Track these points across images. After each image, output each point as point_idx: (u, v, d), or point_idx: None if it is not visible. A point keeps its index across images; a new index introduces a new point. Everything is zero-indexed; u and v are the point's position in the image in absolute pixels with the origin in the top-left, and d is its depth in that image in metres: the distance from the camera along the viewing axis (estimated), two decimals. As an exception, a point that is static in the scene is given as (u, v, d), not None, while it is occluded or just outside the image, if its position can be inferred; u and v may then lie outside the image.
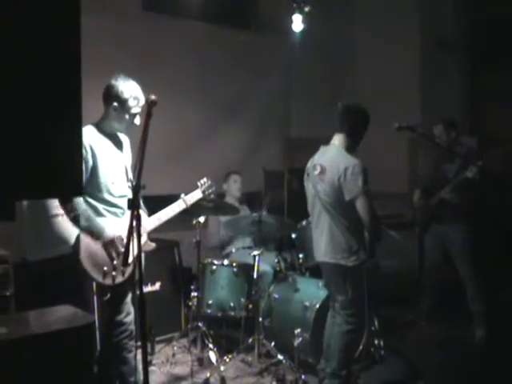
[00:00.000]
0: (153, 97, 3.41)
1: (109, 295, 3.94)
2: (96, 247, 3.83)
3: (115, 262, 3.83)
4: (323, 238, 4.38)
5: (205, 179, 4.80)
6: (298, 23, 6.25)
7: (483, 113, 7.90)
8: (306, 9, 6.19)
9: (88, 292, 4.67)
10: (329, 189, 4.26)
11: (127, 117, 3.92)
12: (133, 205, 3.21)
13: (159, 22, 6.55)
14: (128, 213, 3.34)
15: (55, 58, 2.31)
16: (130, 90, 3.90)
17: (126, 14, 6.17)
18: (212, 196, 4.98)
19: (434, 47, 7.56)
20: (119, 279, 3.86)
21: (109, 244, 3.85)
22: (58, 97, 2.33)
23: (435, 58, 7.57)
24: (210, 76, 6.87)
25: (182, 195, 4.50)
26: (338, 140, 4.38)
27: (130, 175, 4.03)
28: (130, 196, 3.44)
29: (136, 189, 3.23)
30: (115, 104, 3.89)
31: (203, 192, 4.72)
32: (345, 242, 4.26)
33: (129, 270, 3.86)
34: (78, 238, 3.85)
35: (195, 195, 4.61)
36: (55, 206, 4.72)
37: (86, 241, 3.82)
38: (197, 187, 4.70)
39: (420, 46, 7.68)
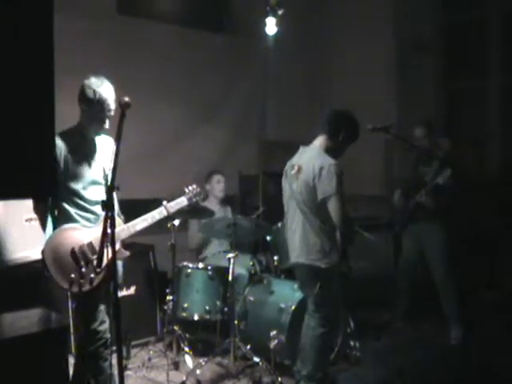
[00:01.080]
0: (126, 99, 3.39)
1: (75, 303, 3.87)
2: (64, 254, 3.73)
3: (83, 270, 3.70)
4: (297, 239, 4.39)
5: (194, 186, 4.64)
6: (271, 26, 6.27)
7: (457, 114, 7.96)
8: (280, 12, 6.21)
9: (60, 297, 4.64)
10: (304, 188, 4.29)
11: (105, 114, 3.88)
12: (106, 206, 3.18)
13: (133, 24, 6.54)
14: (102, 219, 3.30)
15: (28, 57, 2.31)
16: (106, 89, 3.87)
17: (100, 15, 6.14)
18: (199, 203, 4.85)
19: (409, 50, 7.60)
20: (86, 287, 3.72)
21: (78, 251, 3.76)
22: (30, 97, 2.33)
23: (410, 60, 7.62)
24: (185, 78, 6.86)
25: (164, 202, 4.32)
26: (319, 141, 4.43)
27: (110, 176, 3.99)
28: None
29: (109, 190, 3.20)
30: (89, 105, 3.87)
31: (189, 199, 4.55)
32: (319, 244, 4.27)
33: (98, 278, 3.74)
34: (46, 243, 3.78)
35: (180, 202, 4.46)
36: (28, 210, 4.69)
37: (54, 246, 3.74)
38: (182, 193, 4.55)
39: (395, 48, 7.71)
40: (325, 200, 4.18)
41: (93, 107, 3.87)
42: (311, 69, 8.41)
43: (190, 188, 4.61)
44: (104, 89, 3.87)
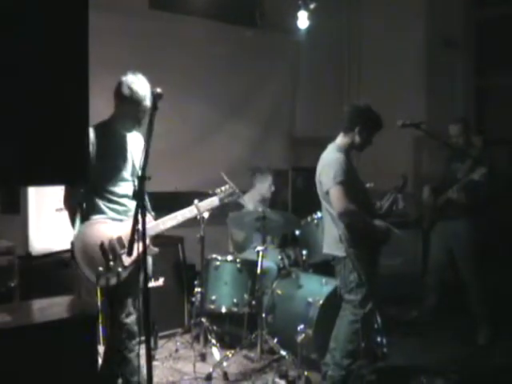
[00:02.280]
0: (158, 90, 3.41)
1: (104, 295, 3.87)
2: (93, 247, 3.75)
3: (111, 264, 3.74)
4: (324, 232, 4.51)
5: (227, 186, 4.61)
6: (303, 20, 6.28)
7: (488, 112, 7.87)
8: (312, 6, 6.21)
9: (90, 286, 4.70)
10: (319, 184, 4.40)
11: (140, 114, 3.86)
12: (138, 195, 3.19)
13: (165, 19, 6.56)
14: (131, 213, 3.34)
15: (64, 52, 2.36)
16: (143, 87, 3.84)
17: (132, 11, 6.18)
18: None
19: (439, 46, 7.53)
20: (113, 281, 3.76)
21: (107, 245, 3.78)
22: (66, 89, 2.39)
23: (440, 57, 7.55)
24: (215, 73, 6.87)
25: (196, 201, 4.33)
26: (338, 138, 4.48)
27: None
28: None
29: (141, 180, 3.21)
30: (124, 102, 3.86)
31: (221, 200, 4.53)
32: (336, 234, 4.33)
33: (125, 272, 3.80)
34: (76, 234, 3.82)
35: (211, 203, 4.46)
36: (59, 200, 4.76)
37: (83, 239, 3.77)
38: (214, 193, 4.54)
39: (425, 45, 7.64)
40: (328, 192, 4.27)
41: (127, 105, 3.86)
42: (341, 64, 8.41)
43: (223, 188, 4.59)
44: (141, 88, 3.83)
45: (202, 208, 4.36)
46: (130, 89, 3.82)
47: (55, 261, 4.95)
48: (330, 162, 4.32)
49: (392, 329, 5.49)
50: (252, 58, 7.16)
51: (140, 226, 3.16)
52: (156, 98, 3.38)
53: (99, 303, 4.83)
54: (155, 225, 4.05)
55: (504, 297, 6.18)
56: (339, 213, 4.22)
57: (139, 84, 3.84)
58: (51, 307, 3.34)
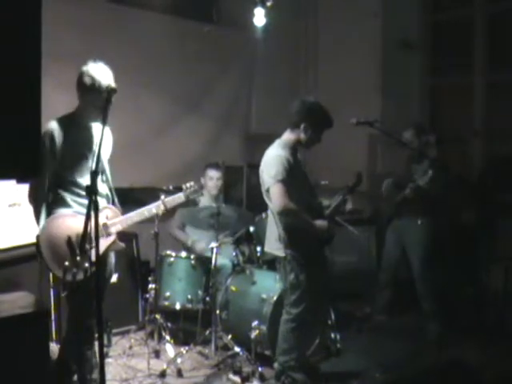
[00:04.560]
0: (112, 84, 3.40)
1: (66, 292, 3.79)
2: (59, 241, 3.71)
3: (78, 259, 3.62)
4: (267, 229, 4.55)
5: (192, 183, 4.66)
6: (260, 17, 6.25)
7: (442, 111, 8.00)
8: (269, 3, 6.20)
9: (43, 283, 4.64)
10: (261, 182, 4.40)
11: (100, 105, 3.67)
12: (90, 191, 3.14)
13: (122, 12, 6.47)
14: (102, 207, 3.39)
15: (13, 43, 2.32)
16: (105, 75, 3.78)
17: (89, 3, 6.07)
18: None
19: (395, 47, 7.61)
20: (80, 276, 3.61)
21: (74, 240, 3.70)
22: (16, 81, 2.35)
23: (396, 57, 7.63)
24: (172, 69, 6.80)
25: (162, 197, 4.37)
26: (285, 134, 4.48)
27: (107, 167, 3.97)
28: (103, 189, 3.51)
29: (93, 175, 3.17)
30: (87, 92, 3.80)
31: (187, 197, 4.57)
32: (277, 233, 4.36)
33: (92, 268, 3.70)
34: (41, 229, 3.77)
35: (177, 199, 4.49)
36: (12, 195, 4.69)
37: (50, 233, 3.73)
38: (180, 190, 4.57)
39: (381, 45, 7.71)
40: (268, 190, 4.27)
41: (91, 95, 3.79)
42: (297, 63, 8.42)
43: (188, 185, 4.62)
44: (103, 76, 3.78)
45: (169, 204, 4.37)
46: (92, 78, 3.77)
47: (6, 257, 4.85)
48: (271, 159, 4.31)
49: (346, 325, 5.56)
50: (209, 54, 7.10)
51: (93, 222, 3.11)
52: (110, 92, 3.37)
53: (52, 298, 4.82)
54: (123, 220, 4.03)
55: (452, 294, 6.30)
56: (278, 211, 4.23)
57: (101, 72, 3.80)
58: (1, 304, 3.29)
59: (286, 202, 4.18)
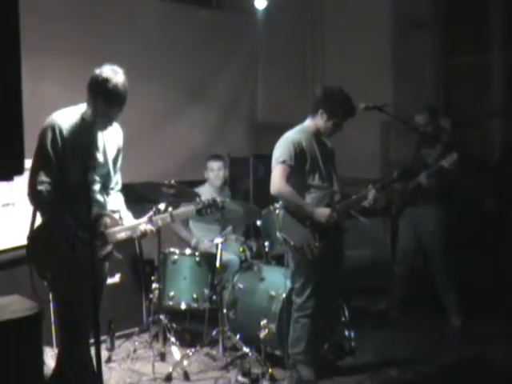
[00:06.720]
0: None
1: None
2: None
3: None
4: None
5: (209, 198, 4.20)
6: (260, 0, 6.12)
7: (457, 94, 7.82)
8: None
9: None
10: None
11: (110, 115, 3.51)
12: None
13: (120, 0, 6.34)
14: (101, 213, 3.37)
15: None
16: (118, 87, 3.41)
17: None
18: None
19: (407, 28, 7.44)
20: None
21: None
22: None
23: (408, 38, 7.45)
24: (172, 57, 6.67)
25: (170, 209, 3.89)
26: (306, 121, 4.53)
27: (111, 169, 3.72)
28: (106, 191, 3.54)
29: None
30: (97, 99, 3.42)
31: (199, 211, 4.06)
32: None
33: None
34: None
35: (187, 211, 4.07)
36: (5, 195, 4.60)
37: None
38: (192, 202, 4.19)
39: (392, 26, 7.52)
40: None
41: (101, 103, 3.43)
42: (304, 48, 8.27)
43: (203, 198, 4.19)
44: (117, 85, 3.41)
45: (177, 217, 3.93)
46: (104, 84, 3.39)
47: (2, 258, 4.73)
48: (280, 141, 4.38)
49: (361, 322, 5.43)
50: (210, 41, 6.97)
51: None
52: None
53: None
54: (127, 229, 3.71)
55: (473, 285, 6.10)
56: (272, 193, 4.32)
57: (115, 80, 3.42)
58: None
59: (281, 185, 4.24)
